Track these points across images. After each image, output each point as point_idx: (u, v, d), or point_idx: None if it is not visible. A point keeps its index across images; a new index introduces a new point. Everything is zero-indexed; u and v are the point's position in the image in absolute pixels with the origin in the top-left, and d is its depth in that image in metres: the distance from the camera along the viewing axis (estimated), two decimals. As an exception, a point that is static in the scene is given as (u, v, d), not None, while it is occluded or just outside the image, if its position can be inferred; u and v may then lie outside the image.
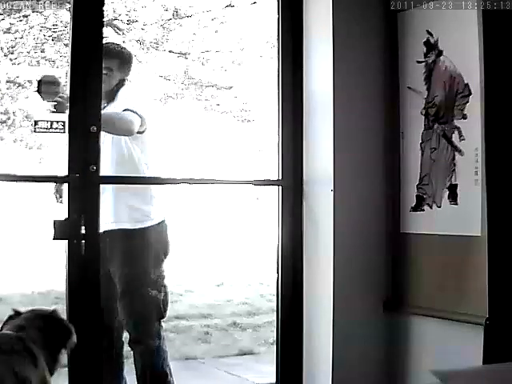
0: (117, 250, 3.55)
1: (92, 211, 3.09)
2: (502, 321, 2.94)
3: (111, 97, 3.65)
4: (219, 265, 8.87)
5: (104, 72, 3.43)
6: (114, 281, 3.58)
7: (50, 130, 3.16)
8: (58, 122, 3.13)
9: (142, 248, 3.58)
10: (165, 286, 3.65)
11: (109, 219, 3.50)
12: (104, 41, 3.40)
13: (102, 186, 3.26)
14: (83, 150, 3.06)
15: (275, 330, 3.58)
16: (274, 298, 3.63)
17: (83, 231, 3.03)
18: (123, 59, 3.70)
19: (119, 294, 3.56)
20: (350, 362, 3.34)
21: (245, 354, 5.91)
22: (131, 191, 3.60)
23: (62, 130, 3.12)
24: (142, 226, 3.58)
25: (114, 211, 3.55)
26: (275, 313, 3.60)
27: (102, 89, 3.38)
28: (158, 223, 3.64)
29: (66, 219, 3.02)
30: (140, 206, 3.58)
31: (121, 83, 3.69)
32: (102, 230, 3.28)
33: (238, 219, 9.78)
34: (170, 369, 3.60)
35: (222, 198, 9.46)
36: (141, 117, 3.59)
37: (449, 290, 3.17)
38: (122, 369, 3.68)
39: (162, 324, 3.68)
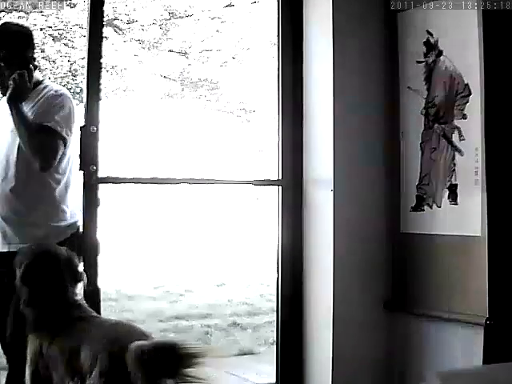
0: None
1: (91, 211, 3.09)
2: (502, 321, 2.94)
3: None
4: (219, 265, 8.87)
5: None
6: None
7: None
8: None
9: None
10: None
11: None
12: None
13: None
14: (83, 150, 3.06)
15: (275, 330, 3.58)
16: (274, 297, 3.63)
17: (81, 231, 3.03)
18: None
19: None
20: (350, 361, 3.34)
21: (245, 354, 5.91)
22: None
23: None
24: None
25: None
26: (275, 313, 3.60)
27: None
28: None
29: None
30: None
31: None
32: None
33: (238, 219, 9.78)
34: None
35: (221, 198, 9.45)
36: (65, 143, 2.85)
37: (449, 289, 3.17)
38: None
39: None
